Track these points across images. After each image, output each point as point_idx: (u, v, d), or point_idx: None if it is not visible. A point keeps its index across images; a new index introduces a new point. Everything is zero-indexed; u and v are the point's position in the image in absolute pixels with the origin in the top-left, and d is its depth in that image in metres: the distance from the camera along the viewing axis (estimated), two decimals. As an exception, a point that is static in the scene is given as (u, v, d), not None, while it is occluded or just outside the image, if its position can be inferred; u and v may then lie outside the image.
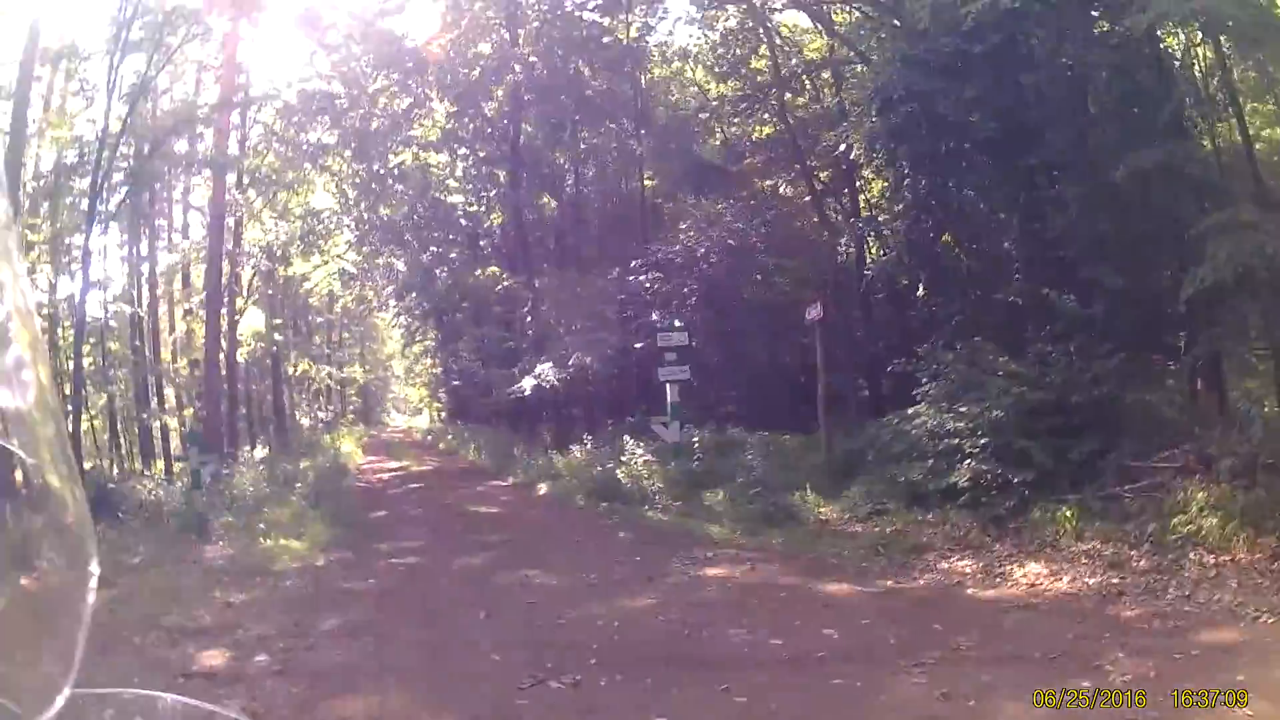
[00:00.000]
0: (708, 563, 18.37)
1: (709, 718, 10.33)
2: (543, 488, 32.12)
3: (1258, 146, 23.38)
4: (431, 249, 50.13)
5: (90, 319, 35.14)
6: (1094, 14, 22.33)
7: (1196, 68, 23.39)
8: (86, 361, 33.68)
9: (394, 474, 45.56)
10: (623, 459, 28.88)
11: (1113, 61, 21.15)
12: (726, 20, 39.62)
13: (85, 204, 32.41)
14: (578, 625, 14.29)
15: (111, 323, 39.83)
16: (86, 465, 31.64)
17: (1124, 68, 21.14)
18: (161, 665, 12.36)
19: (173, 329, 47.38)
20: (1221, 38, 20.79)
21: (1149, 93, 21.04)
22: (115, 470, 35.54)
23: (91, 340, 35.59)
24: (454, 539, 24.22)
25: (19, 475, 2.01)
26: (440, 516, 29.00)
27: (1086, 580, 14.18)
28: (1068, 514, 16.42)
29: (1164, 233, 20.90)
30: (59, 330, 33.69)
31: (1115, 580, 13.96)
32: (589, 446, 32.49)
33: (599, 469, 29.14)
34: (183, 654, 13.06)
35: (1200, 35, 22.04)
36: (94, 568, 2.14)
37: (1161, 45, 22.11)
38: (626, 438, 30.06)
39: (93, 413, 37.69)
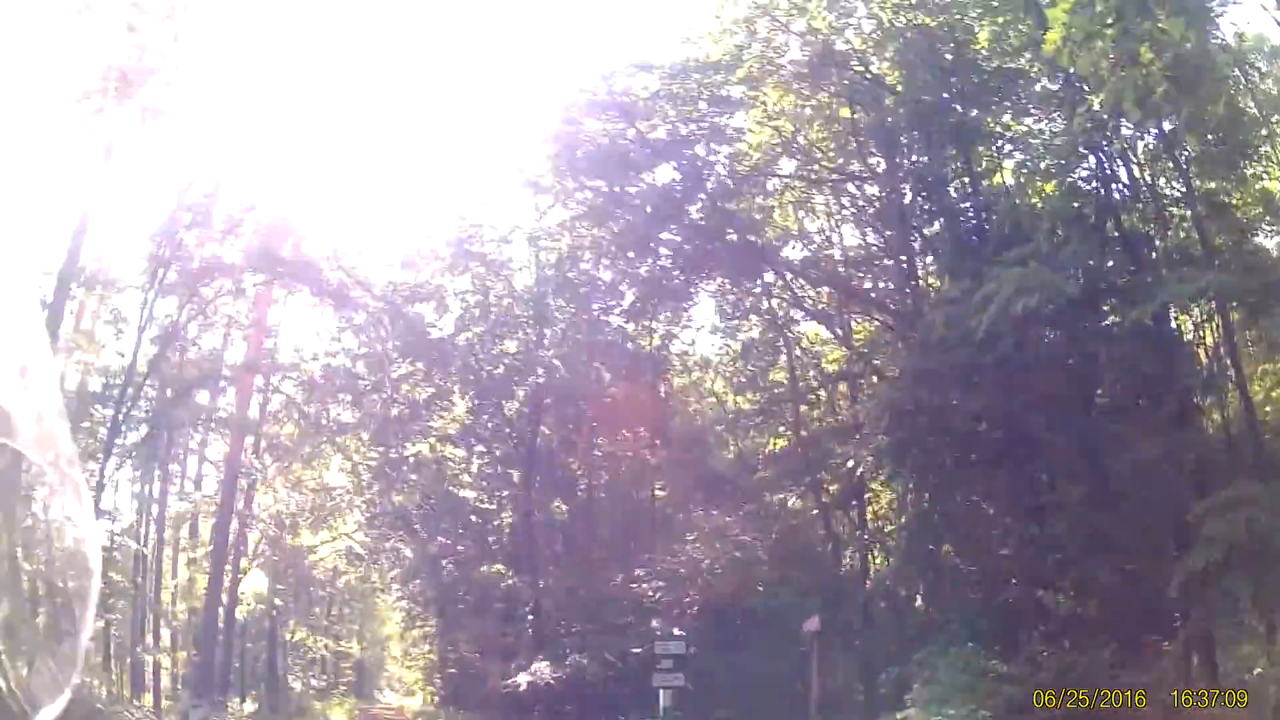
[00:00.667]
0: None
1: None
2: (528, 783, 31.32)
3: (1267, 409, 23.66)
4: (440, 539, 50.06)
5: (95, 546, 35.23)
6: (1104, 308, 22.76)
7: (1205, 345, 23.84)
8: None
9: (384, 750, 44.98)
10: (610, 762, 28.29)
11: (1120, 353, 21.53)
12: (749, 330, 40.35)
13: (103, 433, 32.81)
14: None
15: (116, 554, 39.81)
16: (74, 680, 31.33)
17: (1131, 360, 21.54)
18: None
19: (175, 574, 47.17)
20: (1231, 306, 21.19)
21: (1155, 381, 21.39)
22: (105, 694, 35.16)
23: (93, 567, 35.55)
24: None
25: (25, 478, 2.12)
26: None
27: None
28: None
29: (1162, 520, 21.10)
30: (61, 552, 33.77)
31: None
32: (578, 747, 31.74)
33: (585, 769, 28.61)
34: None
35: (1209, 310, 22.46)
36: (97, 566, 2.19)
37: (1173, 326, 22.50)
38: (616, 741, 29.48)
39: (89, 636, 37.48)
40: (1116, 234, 22.85)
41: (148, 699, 37.99)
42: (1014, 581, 24.12)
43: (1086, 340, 22.64)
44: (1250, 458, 20.35)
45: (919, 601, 28.33)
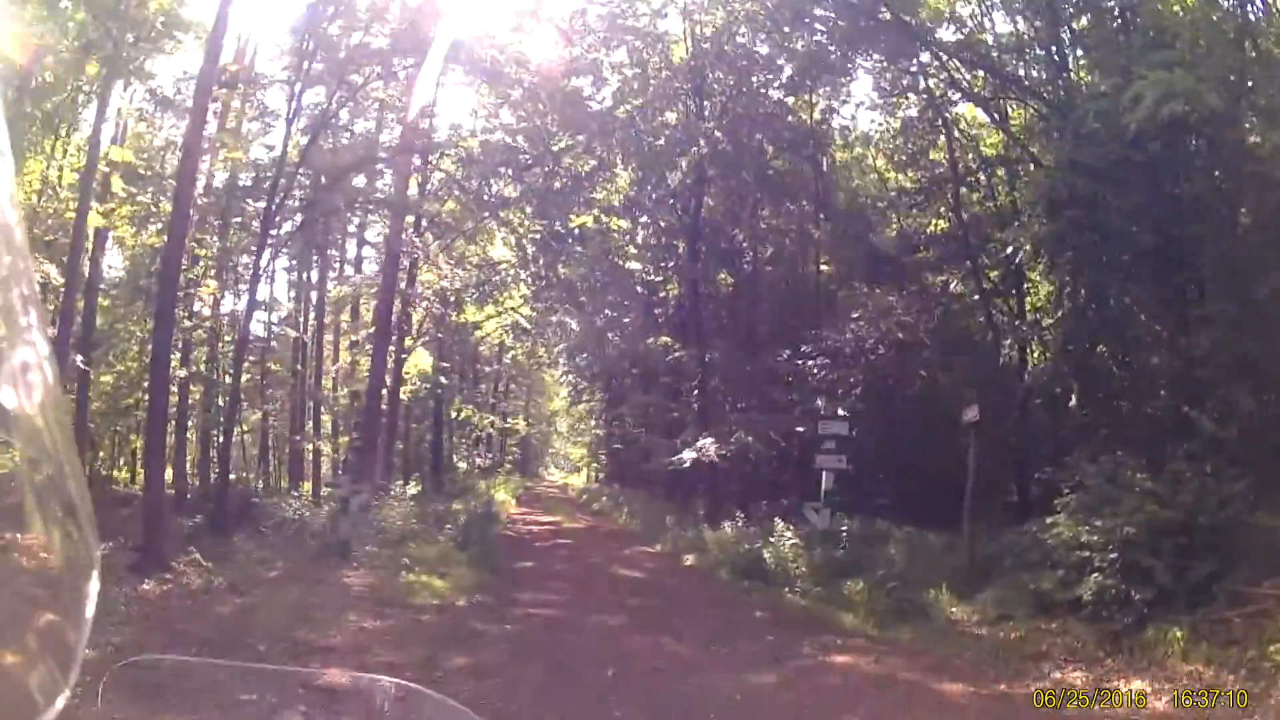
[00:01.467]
0: (836, 650, 18.64)
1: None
2: (689, 559, 32.43)
3: None
4: (606, 312, 50.48)
5: (253, 337, 35.92)
6: (1246, 126, 22.43)
7: None
8: (245, 379, 34.34)
9: (545, 527, 46.61)
10: (771, 540, 28.88)
11: (1261, 173, 21.26)
12: (907, 109, 40.24)
13: (256, 225, 33.70)
14: (700, 693, 14.74)
15: (274, 344, 40.45)
16: (231, 478, 32.66)
17: (1271, 180, 21.22)
18: (282, 676, 12.93)
19: (336, 359, 47.74)
20: None
21: (1293, 207, 21.16)
22: (261, 486, 36.11)
23: (252, 359, 36.26)
24: (593, 597, 24.62)
25: (23, 474, 2.38)
26: (583, 574, 29.79)
27: (1184, 701, 14.32)
28: (1178, 634, 16.46)
29: (1304, 354, 20.86)
30: (219, 344, 34.61)
31: (1208, 704, 14.08)
32: (740, 524, 32.64)
33: (746, 547, 29.33)
34: (306, 667, 13.53)
35: None
36: (96, 565, 2.44)
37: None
38: (777, 520, 30.00)
39: (246, 428, 38.40)
40: (1254, 55, 22.42)
41: (307, 487, 38.86)
42: (1162, 393, 24.28)
43: (1230, 155, 22.33)
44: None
45: (1073, 402, 28.37)
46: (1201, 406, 20.83)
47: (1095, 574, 18.96)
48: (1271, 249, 21.59)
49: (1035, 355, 33.25)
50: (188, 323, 32.47)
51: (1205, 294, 22.77)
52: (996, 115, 35.63)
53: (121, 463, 42.93)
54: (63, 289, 28.49)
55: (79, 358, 29.86)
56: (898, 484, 33.39)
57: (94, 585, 2.42)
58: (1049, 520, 21.63)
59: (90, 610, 2.39)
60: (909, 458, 32.94)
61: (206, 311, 33.87)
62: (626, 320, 50.34)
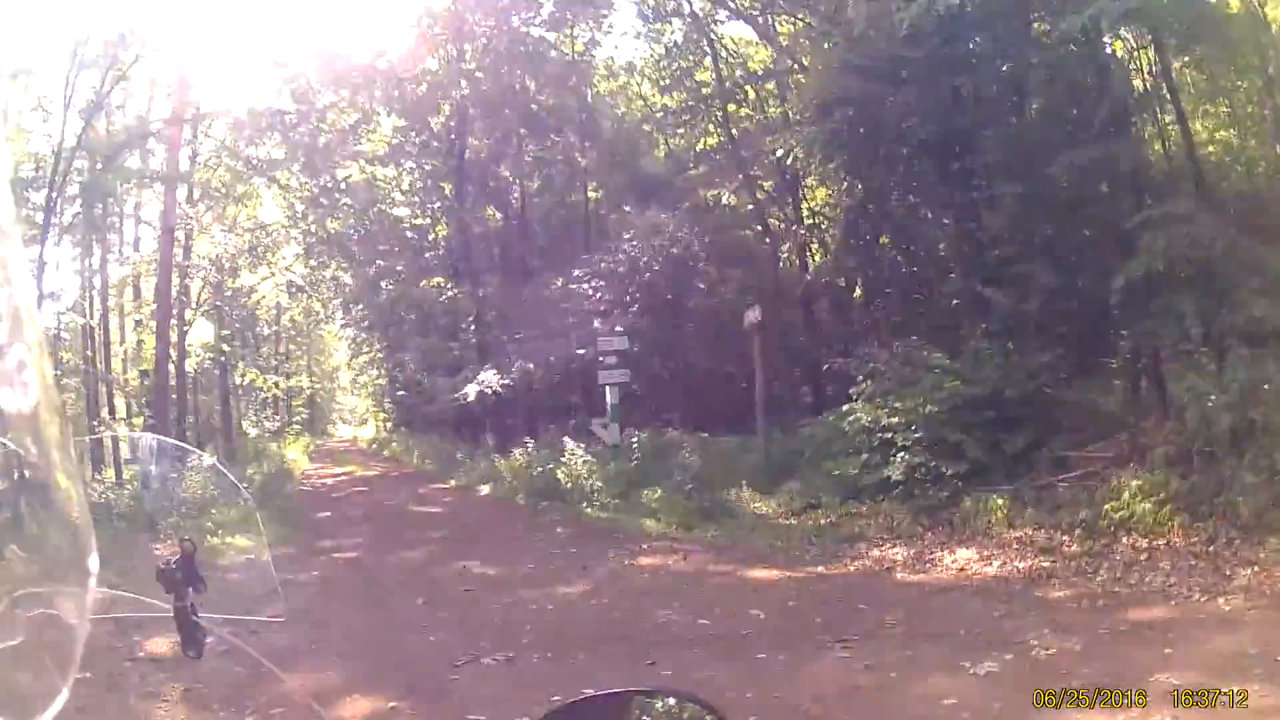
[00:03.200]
0: (642, 554, 18.58)
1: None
2: (484, 489, 32.43)
3: (1209, 150, 23.37)
4: (378, 261, 49.62)
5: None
6: (1031, 17, 22.41)
7: (1141, 73, 23.35)
8: (38, 371, 33.25)
9: (338, 479, 45.97)
10: (563, 460, 28.73)
11: (1050, 62, 21.21)
12: (671, 34, 39.79)
13: (40, 217, 32.40)
14: (512, 609, 14.47)
15: (64, 334, 39.34)
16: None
17: (1062, 68, 21.17)
18: (108, 651, 12.35)
19: (123, 340, 46.63)
20: (1166, 40, 20.86)
21: (1087, 92, 21.05)
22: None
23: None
24: (395, 536, 24.29)
25: (22, 474, 2.01)
26: (382, 516, 29.25)
27: (1016, 565, 14.33)
28: (1000, 503, 16.48)
29: (1102, 230, 20.89)
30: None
31: (1045, 564, 14.10)
32: (531, 450, 32.26)
33: (539, 470, 29.31)
34: (129, 641, 13.03)
35: (1143, 38, 22.11)
36: (94, 565, 2.14)
37: (1105, 48, 22.10)
38: (567, 440, 29.90)
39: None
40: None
41: (109, 473, 37.98)
42: (954, 277, 24.24)
43: (1016, 46, 22.23)
44: (1191, 185, 20.16)
45: (858, 293, 28.43)
46: (997, 285, 20.81)
47: (901, 453, 18.98)
48: (1061, 131, 21.58)
49: (816, 257, 33.20)
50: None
51: (992, 179, 22.66)
52: (765, 31, 35.27)
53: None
54: None
55: None
56: (687, 396, 33.54)
57: (91, 587, 2.27)
58: (845, 408, 21.71)
59: (87, 609, 2.26)
60: (696, 370, 33.04)
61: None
62: (399, 267, 49.54)
